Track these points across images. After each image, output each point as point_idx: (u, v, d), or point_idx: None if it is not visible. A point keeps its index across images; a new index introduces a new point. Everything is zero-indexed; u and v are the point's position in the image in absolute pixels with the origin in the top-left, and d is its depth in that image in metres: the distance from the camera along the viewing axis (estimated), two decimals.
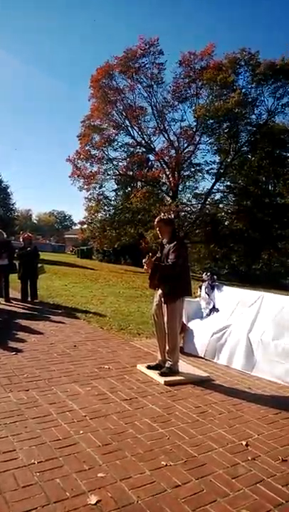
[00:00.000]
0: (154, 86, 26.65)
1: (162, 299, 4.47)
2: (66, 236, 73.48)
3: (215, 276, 6.54)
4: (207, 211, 26.80)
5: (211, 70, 23.93)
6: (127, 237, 28.46)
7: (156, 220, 4.69)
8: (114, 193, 31.15)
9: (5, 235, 8.77)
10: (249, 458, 2.81)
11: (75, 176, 28.14)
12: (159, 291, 4.56)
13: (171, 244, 4.42)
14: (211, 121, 24.95)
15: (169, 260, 4.37)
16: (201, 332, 5.70)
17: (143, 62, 26.26)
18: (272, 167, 25.87)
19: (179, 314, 4.53)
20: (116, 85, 26.90)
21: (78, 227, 38.15)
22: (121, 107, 27.44)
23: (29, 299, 8.81)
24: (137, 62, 26.26)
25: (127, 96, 27.37)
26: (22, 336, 5.81)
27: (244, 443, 3.03)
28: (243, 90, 24.30)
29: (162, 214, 4.82)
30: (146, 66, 26.26)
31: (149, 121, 28.11)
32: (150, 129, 28.35)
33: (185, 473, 2.55)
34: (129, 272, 23.64)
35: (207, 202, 27.52)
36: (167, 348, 4.48)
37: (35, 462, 2.55)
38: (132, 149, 28.86)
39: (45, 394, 3.70)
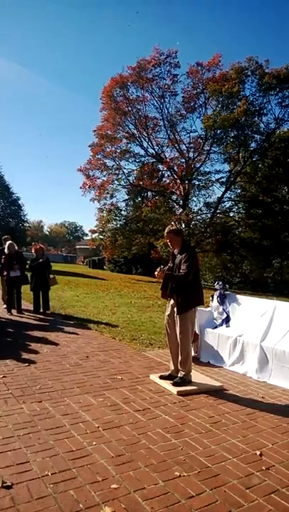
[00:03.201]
0: (167, 97, 26.91)
1: (174, 309, 4.48)
2: (77, 247, 73.95)
3: (227, 286, 6.52)
4: (217, 220, 26.75)
5: (215, 82, 24.06)
6: (138, 247, 28.54)
7: (166, 231, 4.72)
8: (124, 203, 31.36)
9: (16, 247, 8.89)
10: (263, 468, 2.78)
11: (86, 186, 28.43)
12: (171, 302, 4.57)
13: (183, 255, 4.44)
14: (219, 130, 25.03)
15: (180, 270, 4.39)
16: (214, 341, 5.68)
17: (156, 73, 26.51)
18: (283, 175, 25.75)
19: (191, 324, 4.53)
20: (128, 96, 27.18)
21: (89, 237, 38.43)
22: (132, 118, 27.70)
23: (41, 310, 8.88)
24: (150, 73, 26.49)
25: (139, 107, 27.65)
26: (34, 347, 5.86)
27: (258, 453, 3.00)
28: (250, 99, 24.34)
29: (171, 225, 4.86)
30: (160, 76, 26.48)
31: (160, 131, 28.35)
32: (161, 139, 28.58)
33: (199, 484, 2.54)
34: (140, 281, 23.64)
35: (218, 211, 27.48)
36: (180, 358, 4.47)
37: (49, 474, 2.56)
38: (143, 159, 29.08)
39: (58, 405, 3.72)
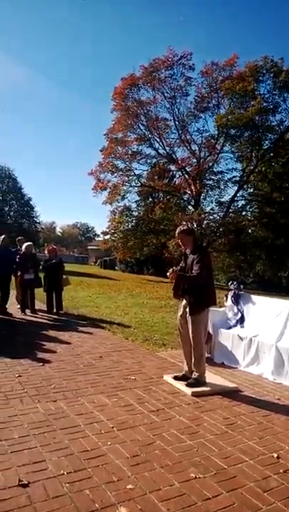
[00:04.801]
0: (178, 97, 26.79)
1: (186, 310, 4.45)
2: (89, 247, 74.24)
3: (241, 286, 6.47)
4: (230, 219, 26.57)
5: (230, 81, 23.91)
6: (150, 247, 28.51)
7: (177, 231, 4.68)
8: (136, 204, 31.38)
9: (33, 248, 8.98)
10: (281, 471, 2.74)
11: (98, 188, 28.51)
12: (184, 302, 4.54)
13: (195, 255, 4.41)
14: (233, 130, 24.87)
15: (193, 271, 4.35)
16: (228, 342, 5.63)
17: (169, 74, 26.35)
18: None
19: (204, 325, 4.49)
20: (139, 97, 27.14)
21: (101, 238, 38.57)
22: (144, 119, 27.68)
23: (54, 311, 8.92)
24: (162, 73, 26.38)
25: (150, 108, 27.59)
26: (49, 347, 5.89)
27: (275, 455, 2.95)
28: (265, 97, 24.15)
29: (182, 225, 4.82)
30: (173, 77, 26.31)
31: (170, 132, 28.26)
32: (172, 140, 28.48)
33: (215, 486, 2.51)
34: (152, 282, 23.62)
35: (230, 210, 27.30)
36: (193, 358, 4.44)
37: (65, 473, 2.56)
38: (154, 160, 29.04)
39: (72, 405, 3.73)
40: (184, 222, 4.96)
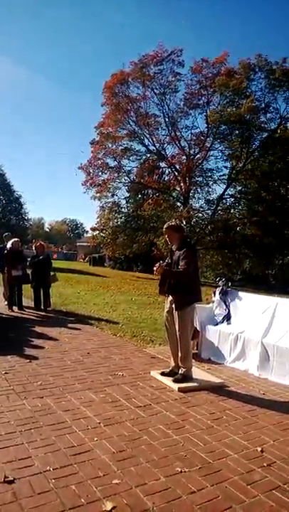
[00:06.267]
0: (167, 93, 26.71)
1: (173, 306, 4.48)
2: (78, 244, 73.86)
3: (229, 283, 6.52)
4: (219, 217, 26.68)
5: (223, 77, 23.92)
6: (139, 244, 28.49)
7: (165, 226, 4.70)
8: (125, 201, 31.30)
9: (20, 244, 8.91)
10: (264, 464, 2.79)
11: (88, 183, 28.37)
12: (170, 298, 4.57)
13: (181, 251, 4.43)
14: (223, 127, 24.93)
15: (179, 267, 4.38)
16: (215, 338, 5.68)
17: (158, 69, 26.17)
18: (285, 171, 25.67)
19: (190, 320, 4.53)
20: (129, 93, 26.96)
21: (90, 234, 38.42)
22: (134, 115, 27.57)
23: (42, 307, 8.88)
24: (152, 69, 26.18)
25: (140, 104, 27.46)
26: (36, 344, 5.86)
27: (259, 449, 3.00)
28: (257, 96, 24.22)
29: (171, 221, 4.84)
30: (162, 73, 26.12)
31: (160, 128, 28.20)
32: (162, 137, 28.42)
33: (200, 480, 2.54)
34: (141, 279, 23.65)
35: (219, 208, 27.41)
36: (180, 354, 4.48)
37: (51, 469, 2.56)
38: (144, 157, 28.98)
39: (59, 401, 3.73)
40: (173, 220, 4.97)
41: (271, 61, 23.93)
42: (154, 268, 4.48)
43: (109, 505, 2.22)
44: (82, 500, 2.27)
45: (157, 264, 4.48)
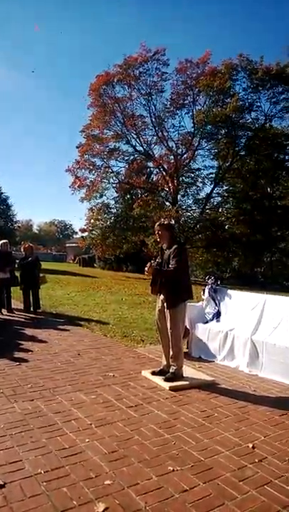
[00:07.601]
0: (153, 94, 26.72)
1: (164, 304, 4.48)
2: (67, 245, 73.49)
3: (219, 281, 6.54)
4: (207, 216, 26.82)
5: (207, 77, 24.03)
6: (129, 244, 28.48)
7: (157, 224, 4.71)
8: (114, 201, 31.25)
9: (9, 246, 8.85)
10: (256, 460, 2.80)
11: (76, 185, 28.24)
12: (161, 297, 4.57)
13: (171, 249, 4.44)
14: (210, 126, 25.08)
15: (170, 265, 4.39)
16: (205, 336, 5.70)
17: (144, 70, 26.14)
18: (271, 170, 25.92)
19: (181, 319, 4.53)
20: (115, 94, 26.95)
21: (79, 235, 38.26)
22: (120, 116, 27.52)
23: (32, 309, 8.82)
24: (137, 70, 26.18)
25: (126, 105, 27.42)
26: (25, 346, 5.82)
27: (250, 445, 3.02)
28: (240, 95, 24.41)
29: (162, 219, 4.85)
30: (147, 73, 26.13)
31: (147, 129, 28.20)
32: (149, 137, 28.45)
33: (192, 478, 2.54)
34: (131, 278, 23.63)
35: (207, 207, 27.55)
36: (171, 353, 4.48)
37: (42, 472, 2.54)
38: (131, 157, 28.97)
39: (50, 403, 3.70)
40: (162, 219, 4.98)
41: (253, 60, 24.20)
42: (146, 268, 4.50)
43: (101, 507, 2.21)
44: (74, 502, 2.25)
45: (148, 264, 4.50)
